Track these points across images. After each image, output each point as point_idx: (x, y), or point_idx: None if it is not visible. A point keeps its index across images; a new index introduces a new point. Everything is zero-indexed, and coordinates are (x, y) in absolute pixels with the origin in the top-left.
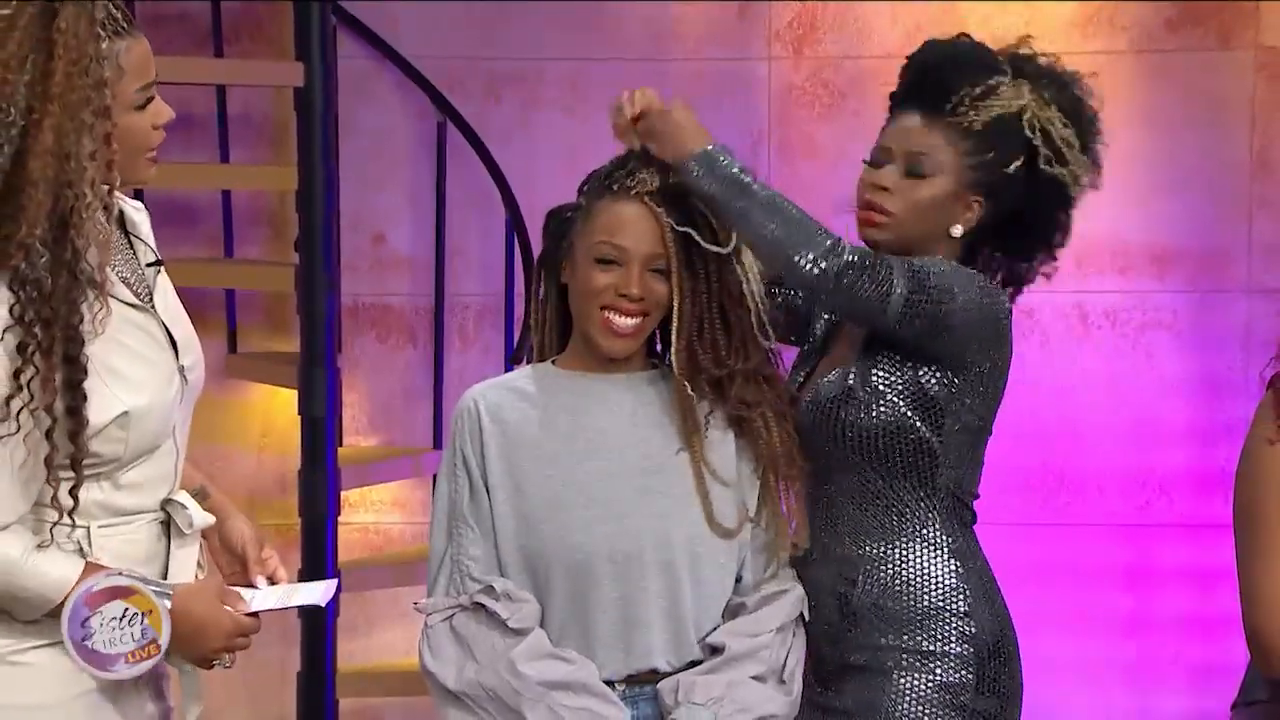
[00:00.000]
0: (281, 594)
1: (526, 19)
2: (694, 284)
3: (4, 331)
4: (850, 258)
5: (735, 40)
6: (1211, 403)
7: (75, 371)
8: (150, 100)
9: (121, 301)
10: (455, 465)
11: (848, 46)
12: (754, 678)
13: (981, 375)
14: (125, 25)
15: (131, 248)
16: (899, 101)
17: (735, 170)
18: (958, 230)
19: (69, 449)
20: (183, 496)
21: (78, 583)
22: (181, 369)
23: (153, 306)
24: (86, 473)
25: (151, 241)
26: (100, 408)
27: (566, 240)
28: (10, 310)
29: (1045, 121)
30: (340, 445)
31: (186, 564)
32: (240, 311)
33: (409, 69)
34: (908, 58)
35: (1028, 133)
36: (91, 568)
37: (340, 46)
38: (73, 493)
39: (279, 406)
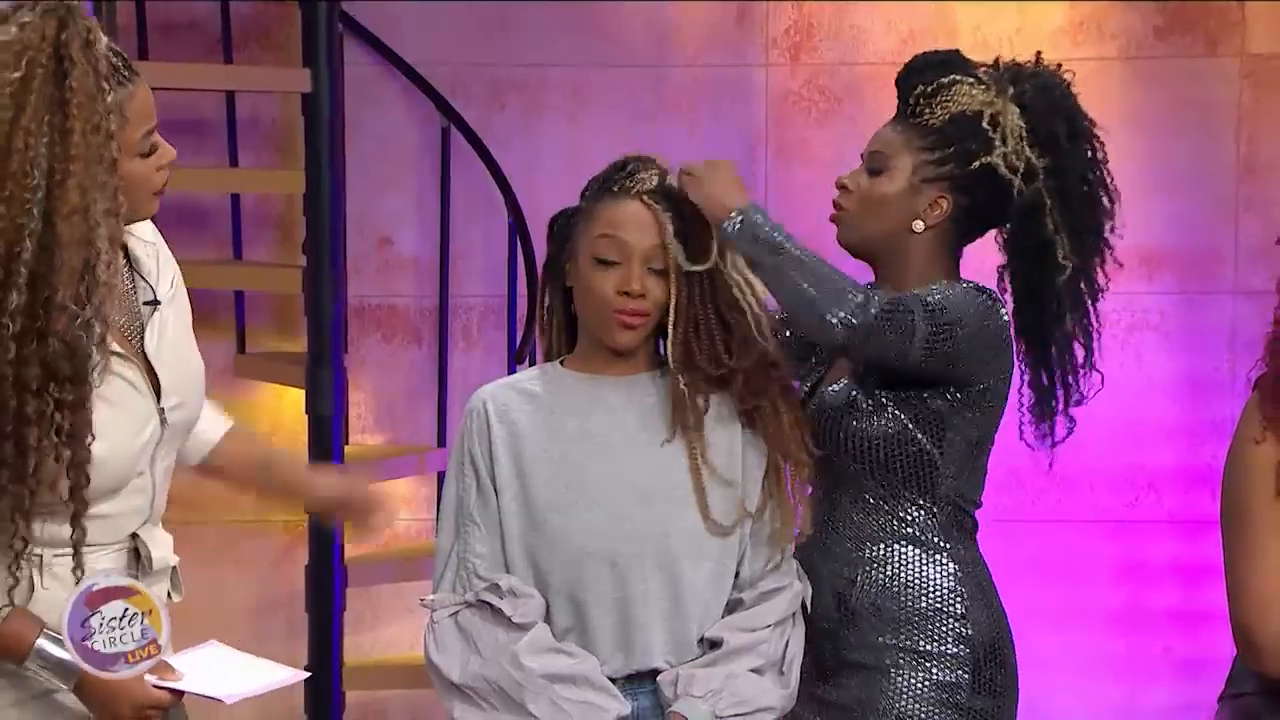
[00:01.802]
0: (225, 676)
1: (528, 26)
2: (690, 279)
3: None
4: (876, 311)
5: (733, 47)
6: (1198, 402)
7: (82, 427)
8: (154, 147)
9: (109, 351)
10: (464, 464)
11: (843, 53)
12: (752, 670)
13: (984, 391)
14: (127, 74)
15: (133, 285)
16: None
17: (769, 230)
18: (919, 225)
19: (63, 498)
20: (150, 533)
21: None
22: (161, 411)
23: (141, 351)
24: (40, 510)
25: (154, 278)
26: None
27: (570, 243)
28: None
29: (1000, 114)
30: (347, 443)
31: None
32: (249, 313)
33: (414, 75)
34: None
35: (986, 127)
36: (16, 612)
37: (347, 53)
38: (27, 526)
39: (287, 405)
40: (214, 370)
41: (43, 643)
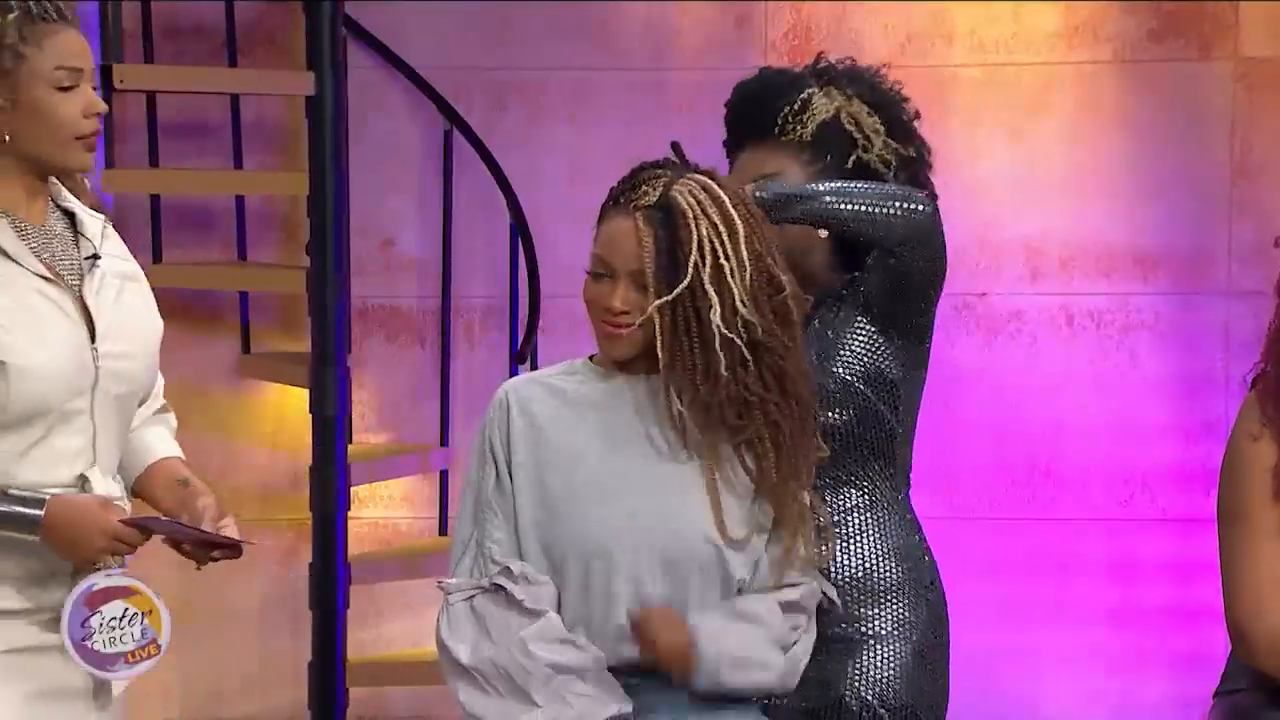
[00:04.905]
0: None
1: (530, 30)
2: (671, 304)
3: None
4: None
5: (732, 50)
6: (1192, 401)
7: None
8: (75, 86)
9: (30, 271)
10: (484, 453)
11: (841, 56)
12: (762, 640)
13: (927, 343)
14: (55, 16)
15: (75, 242)
16: (734, 146)
17: (794, 185)
18: (824, 231)
19: None
20: (96, 477)
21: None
22: (95, 353)
23: (78, 294)
24: None
25: (98, 242)
26: None
27: None
28: None
29: (856, 115)
30: (350, 442)
31: None
32: (253, 313)
33: (417, 78)
34: (725, 105)
35: (849, 128)
36: None
37: (350, 57)
38: None
39: (291, 405)
40: (219, 370)
41: None
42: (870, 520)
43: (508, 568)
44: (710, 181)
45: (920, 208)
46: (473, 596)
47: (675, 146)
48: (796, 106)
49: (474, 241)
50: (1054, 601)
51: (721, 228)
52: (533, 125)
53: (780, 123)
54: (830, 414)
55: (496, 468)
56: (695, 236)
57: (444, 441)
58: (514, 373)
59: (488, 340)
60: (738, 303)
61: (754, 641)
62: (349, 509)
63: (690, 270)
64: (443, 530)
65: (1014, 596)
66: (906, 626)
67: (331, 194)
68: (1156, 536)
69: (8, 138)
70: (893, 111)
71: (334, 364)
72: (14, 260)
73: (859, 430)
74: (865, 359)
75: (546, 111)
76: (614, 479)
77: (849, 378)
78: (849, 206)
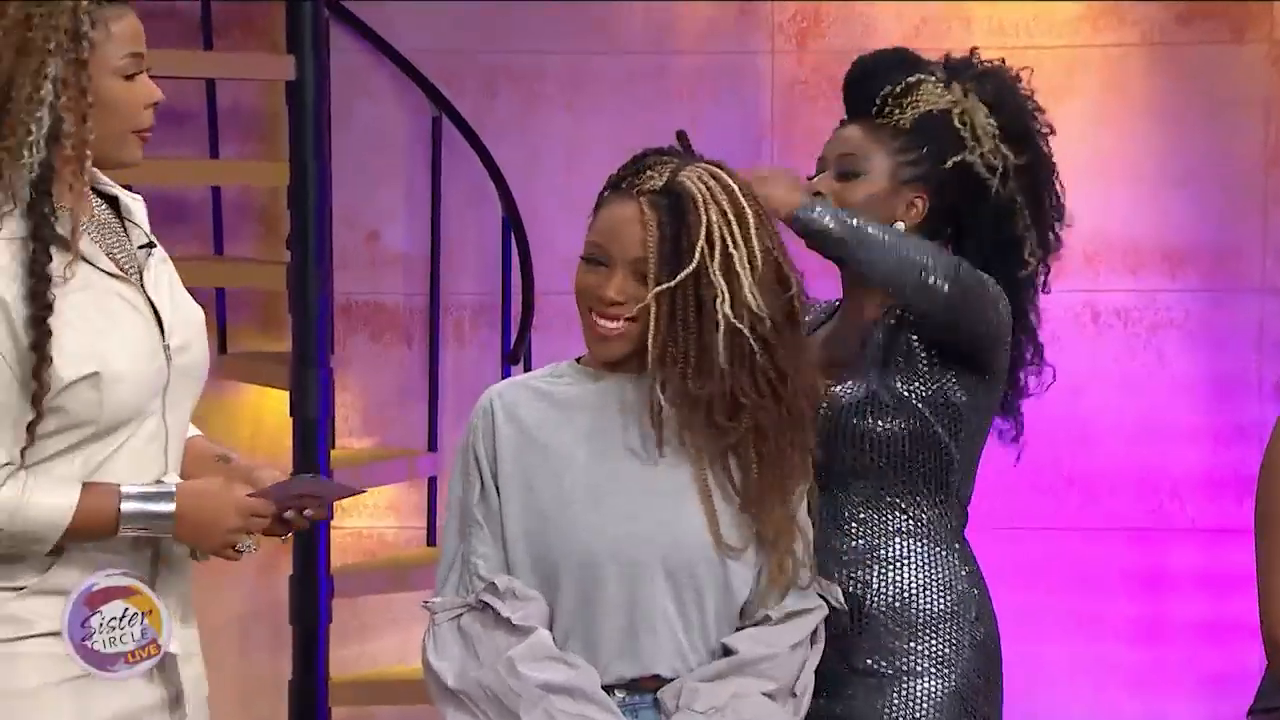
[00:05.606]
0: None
1: (524, 12)
2: (672, 292)
3: None
4: (965, 270)
5: (736, 34)
6: (1224, 404)
7: (40, 309)
8: (139, 74)
9: (104, 271)
10: (468, 464)
11: (851, 40)
12: (764, 694)
13: (999, 377)
14: None
15: (125, 231)
16: (841, 123)
17: (843, 213)
18: (900, 227)
19: (32, 386)
20: (172, 479)
21: (76, 512)
22: (167, 348)
23: (140, 284)
24: (63, 441)
25: (146, 227)
26: (70, 362)
27: None
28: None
29: (971, 113)
30: (333, 447)
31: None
32: (231, 310)
33: (404, 63)
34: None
35: (957, 125)
36: (89, 488)
37: (333, 40)
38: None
39: (270, 407)
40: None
41: (126, 506)
42: (914, 547)
43: (493, 584)
44: (719, 170)
45: (937, 283)
46: (459, 615)
47: (681, 135)
48: (899, 90)
49: (464, 235)
50: (1078, 614)
51: (731, 216)
52: (527, 112)
53: (879, 103)
54: (880, 423)
55: (481, 480)
56: (705, 222)
57: (432, 446)
58: (506, 373)
59: (478, 339)
60: (746, 294)
61: (750, 707)
62: (331, 518)
63: (697, 257)
64: (430, 540)
65: (1037, 608)
66: (945, 664)
67: (313, 185)
68: (1187, 547)
69: (74, 130)
70: (1013, 114)
71: (316, 364)
72: (89, 262)
73: (910, 450)
74: (928, 378)
75: (541, 97)
76: (607, 483)
77: (907, 394)
78: (903, 254)
